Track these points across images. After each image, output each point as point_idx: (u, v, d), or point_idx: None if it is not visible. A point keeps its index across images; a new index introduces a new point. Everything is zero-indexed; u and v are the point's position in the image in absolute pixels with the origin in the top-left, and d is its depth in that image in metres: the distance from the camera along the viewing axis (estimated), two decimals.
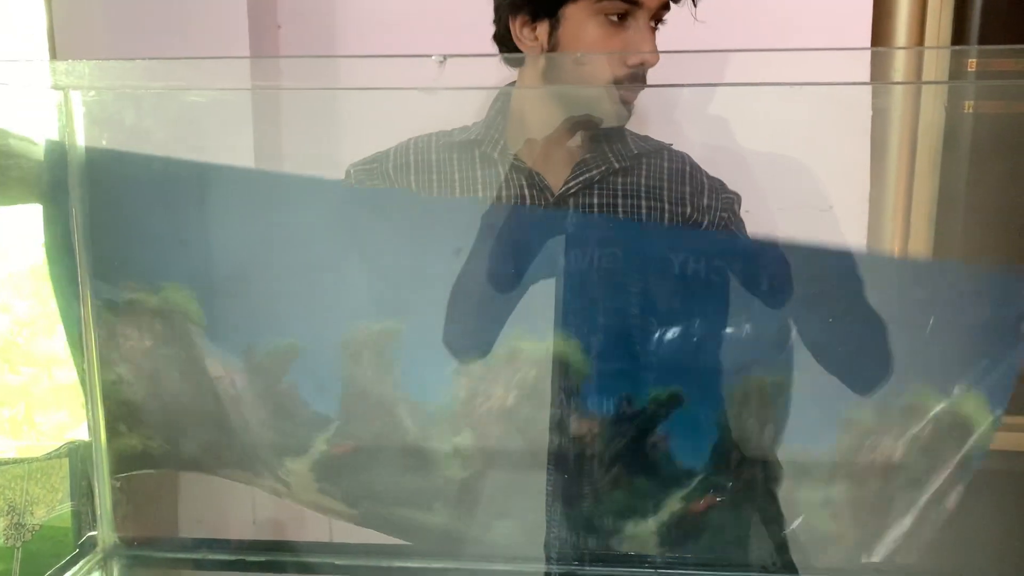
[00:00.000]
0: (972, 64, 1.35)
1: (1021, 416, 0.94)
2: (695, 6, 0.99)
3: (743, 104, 1.00)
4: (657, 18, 0.98)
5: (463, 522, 1.06)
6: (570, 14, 0.98)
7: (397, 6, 1.21)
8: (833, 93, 0.88)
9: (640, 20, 0.97)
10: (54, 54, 1.33)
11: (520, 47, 1.01)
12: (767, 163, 1.03)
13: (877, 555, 0.98)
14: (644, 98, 0.98)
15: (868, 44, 1.61)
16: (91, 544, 1.05)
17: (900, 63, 1.11)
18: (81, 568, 1.01)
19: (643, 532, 1.03)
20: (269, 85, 1.04)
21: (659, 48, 0.95)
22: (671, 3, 0.98)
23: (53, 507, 1.05)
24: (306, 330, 0.98)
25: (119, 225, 0.96)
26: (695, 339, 0.94)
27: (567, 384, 0.97)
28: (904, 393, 0.92)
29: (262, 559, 1.05)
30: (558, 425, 0.98)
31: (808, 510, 0.99)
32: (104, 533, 1.05)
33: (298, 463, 1.05)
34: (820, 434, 0.96)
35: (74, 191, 0.94)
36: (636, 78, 0.98)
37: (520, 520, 1.04)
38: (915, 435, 0.93)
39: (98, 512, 1.04)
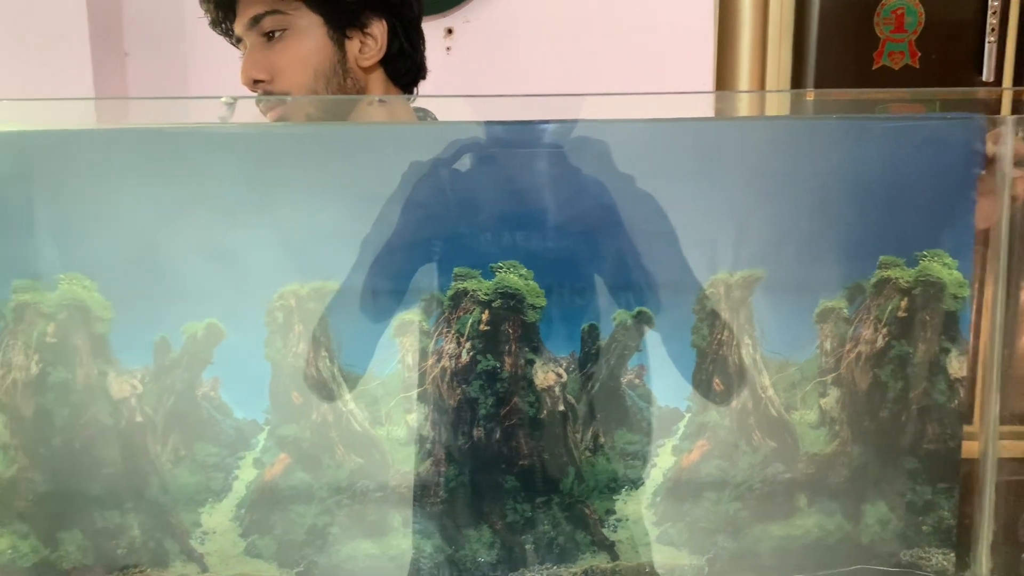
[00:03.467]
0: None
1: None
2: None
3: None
4: (264, 31, 1.05)
5: (438, 540, 0.88)
6: None
7: None
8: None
9: (248, 46, 1.06)
10: None
11: None
12: None
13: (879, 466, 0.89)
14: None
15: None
16: None
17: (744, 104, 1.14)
18: None
19: (635, 507, 0.86)
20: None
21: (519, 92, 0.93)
22: (252, 23, 1.05)
23: None
24: (224, 307, 0.84)
25: None
26: (651, 249, 0.86)
27: (522, 326, 0.83)
28: (873, 273, 0.87)
29: None
30: (518, 380, 0.83)
31: (805, 434, 0.87)
32: None
33: (218, 512, 0.86)
34: (800, 333, 0.87)
35: None
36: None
37: (498, 518, 0.87)
38: (893, 310, 0.87)
39: None
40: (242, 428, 0.84)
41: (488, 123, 0.84)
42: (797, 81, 1.73)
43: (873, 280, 0.87)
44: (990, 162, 0.84)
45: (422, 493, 0.87)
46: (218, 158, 0.83)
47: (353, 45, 1.08)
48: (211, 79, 1.33)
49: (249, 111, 0.86)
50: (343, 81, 1.08)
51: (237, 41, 1.09)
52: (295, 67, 1.05)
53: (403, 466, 0.86)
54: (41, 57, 1.17)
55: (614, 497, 0.88)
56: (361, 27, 1.08)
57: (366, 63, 1.09)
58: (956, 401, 0.87)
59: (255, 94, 1.06)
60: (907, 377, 0.87)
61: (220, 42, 1.09)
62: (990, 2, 1.69)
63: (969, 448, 0.88)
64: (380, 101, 1.07)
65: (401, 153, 0.84)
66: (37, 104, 0.81)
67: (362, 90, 1.10)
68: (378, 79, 1.12)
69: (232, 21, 1.08)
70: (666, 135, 0.85)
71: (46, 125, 0.82)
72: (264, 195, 0.83)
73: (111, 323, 0.82)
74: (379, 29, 1.09)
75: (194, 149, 0.83)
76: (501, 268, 0.84)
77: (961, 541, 0.88)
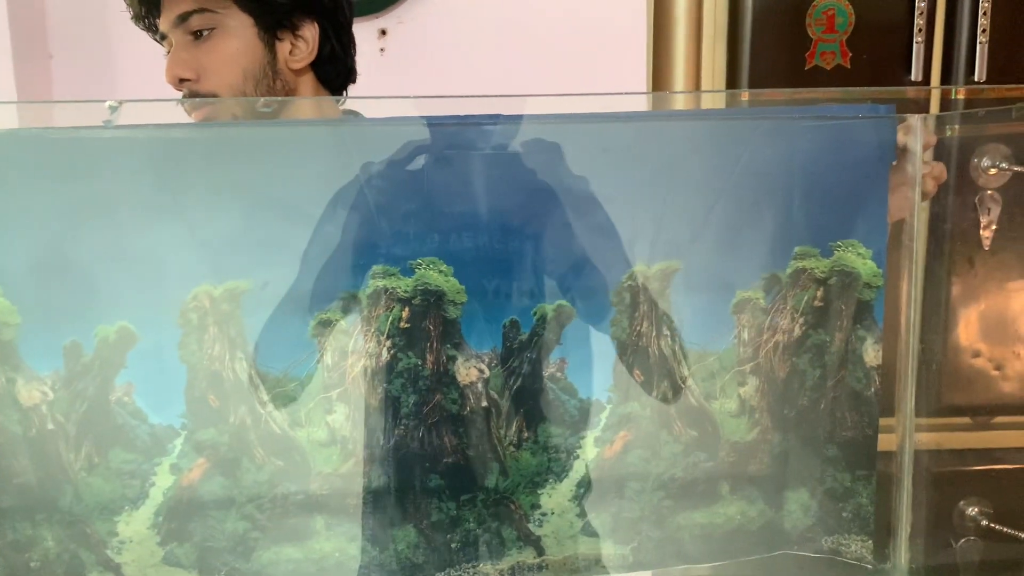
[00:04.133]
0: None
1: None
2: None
3: None
4: (192, 29, 1.04)
5: (362, 542, 0.87)
6: None
7: None
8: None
9: (173, 43, 1.05)
10: None
11: None
12: None
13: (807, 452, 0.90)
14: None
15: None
16: None
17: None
18: None
19: (559, 500, 0.86)
20: None
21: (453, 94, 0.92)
22: (180, 20, 1.03)
23: None
24: (137, 309, 0.82)
25: None
26: (570, 243, 0.86)
27: (443, 323, 0.83)
28: (788, 264, 0.88)
29: None
30: (441, 378, 0.83)
31: (725, 423, 0.87)
32: None
33: (135, 521, 0.84)
34: (718, 323, 0.88)
35: None
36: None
37: (423, 517, 0.86)
38: (809, 300, 0.89)
39: None
40: (158, 433, 0.83)
41: (409, 121, 0.83)
42: (731, 82, 1.75)
43: (789, 270, 0.88)
44: (902, 153, 0.86)
45: (344, 495, 0.86)
46: (127, 160, 0.81)
47: (284, 47, 1.07)
48: (139, 80, 1.31)
49: (162, 112, 0.85)
50: (272, 83, 1.07)
51: (161, 38, 1.07)
52: (223, 67, 1.04)
53: (324, 467, 0.86)
54: None
55: (539, 491, 0.88)
56: (292, 29, 1.07)
57: (296, 65, 1.08)
58: (873, 389, 0.89)
59: (179, 94, 1.04)
60: (824, 365, 0.89)
61: (147, 44, 1.07)
62: (917, 3, 1.72)
63: (889, 441, 0.90)
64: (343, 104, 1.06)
65: (316, 152, 0.84)
66: None
67: (291, 92, 1.09)
68: (308, 82, 1.11)
69: (156, 16, 1.06)
70: (584, 131, 0.85)
71: None
72: (174, 197, 0.82)
73: (18, 328, 0.80)
74: (310, 32, 1.08)
75: (102, 151, 0.81)
76: (420, 265, 0.84)
77: (881, 531, 0.90)
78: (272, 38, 1.06)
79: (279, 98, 1.03)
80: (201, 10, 1.03)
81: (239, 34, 1.04)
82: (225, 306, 0.82)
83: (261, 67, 1.05)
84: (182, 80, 1.04)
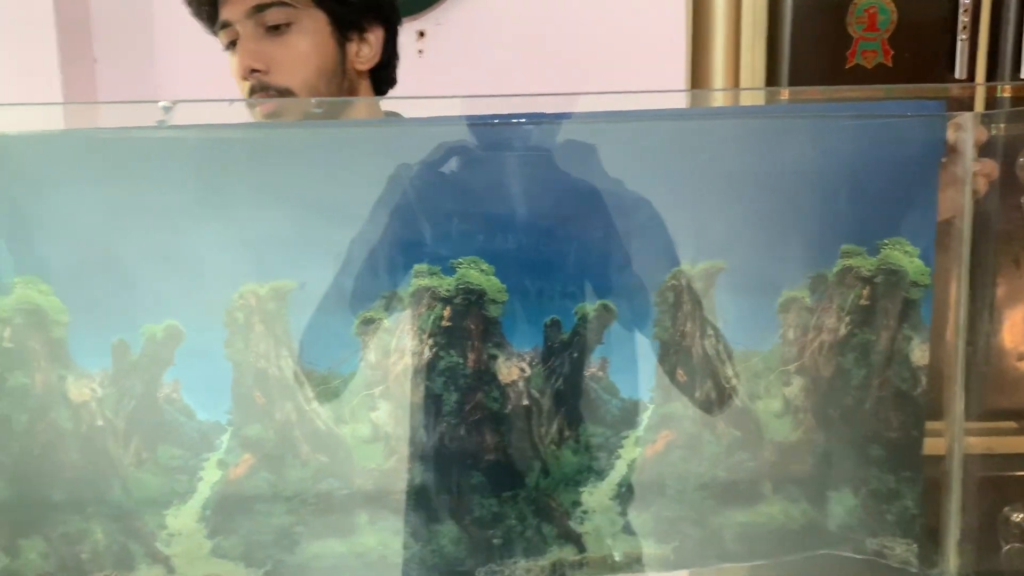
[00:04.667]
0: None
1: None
2: None
3: None
4: (269, 23, 1.03)
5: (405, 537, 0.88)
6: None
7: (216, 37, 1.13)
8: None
9: (241, 34, 1.03)
10: None
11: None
12: None
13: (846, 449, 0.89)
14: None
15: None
16: None
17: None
18: None
19: (601, 499, 0.86)
20: None
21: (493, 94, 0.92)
22: (262, 7, 1.03)
23: None
24: (183, 308, 0.83)
25: None
26: (613, 242, 0.86)
27: (484, 321, 0.85)
28: (835, 263, 0.87)
29: None
30: (482, 376, 0.85)
31: (769, 423, 0.87)
32: None
33: (183, 515, 0.85)
34: (763, 323, 0.88)
35: None
36: (255, 89, 1.05)
37: (464, 513, 0.87)
38: (855, 298, 0.88)
39: None
40: (205, 430, 0.84)
41: (450, 122, 0.84)
42: (771, 80, 1.74)
43: (835, 269, 0.87)
44: (952, 150, 0.85)
45: (388, 490, 0.87)
46: (175, 160, 0.83)
47: (352, 48, 1.08)
48: (181, 83, 1.33)
49: (209, 113, 0.86)
50: (341, 82, 1.08)
51: (221, 27, 1.06)
52: (298, 63, 1.05)
53: (368, 463, 0.86)
54: (9, 63, 1.17)
55: (580, 489, 0.88)
56: (360, 31, 1.08)
57: (362, 67, 1.09)
58: (919, 389, 0.87)
59: (234, 91, 1.05)
60: (870, 365, 0.88)
61: (190, 47, 1.09)
62: (961, 0, 1.70)
63: (938, 445, 0.88)
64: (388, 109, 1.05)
65: (360, 153, 0.85)
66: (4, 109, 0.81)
67: (352, 93, 1.10)
68: (366, 84, 1.13)
69: (217, 5, 1.05)
70: (625, 130, 0.85)
71: (12, 130, 0.82)
72: (221, 196, 0.83)
73: (68, 327, 0.81)
74: (376, 35, 1.10)
75: (151, 152, 0.83)
76: (462, 264, 0.84)
77: (930, 536, 0.89)
78: (343, 38, 1.07)
79: (327, 99, 1.04)
80: (281, 3, 1.03)
81: (314, 31, 1.05)
82: (271, 305, 0.83)
83: (333, 66, 1.07)
84: (253, 71, 1.04)
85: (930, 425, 0.88)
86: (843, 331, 0.88)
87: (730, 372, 0.88)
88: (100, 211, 0.82)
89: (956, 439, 0.87)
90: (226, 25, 1.05)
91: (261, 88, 1.04)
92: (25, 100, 0.77)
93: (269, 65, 1.04)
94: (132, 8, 1.29)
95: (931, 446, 0.88)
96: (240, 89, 1.06)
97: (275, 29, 1.04)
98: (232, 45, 1.06)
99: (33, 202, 0.81)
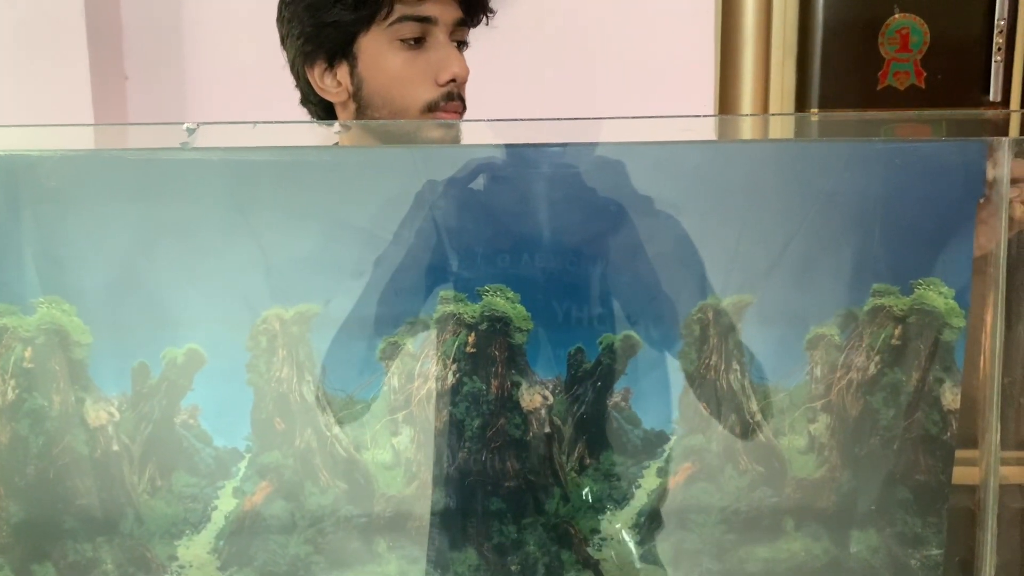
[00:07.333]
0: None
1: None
2: (487, 21, 1.04)
3: None
4: (458, 38, 1.01)
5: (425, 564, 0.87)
6: (365, 47, 0.99)
7: (247, 55, 1.12)
8: None
9: (439, 37, 0.99)
10: None
11: (328, 98, 1.02)
12: None
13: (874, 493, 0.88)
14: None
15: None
16: None
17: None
18: None
19: (619, 528, 0.85)
20: None
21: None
22: (468, 22, 1.01)
23: None
24: (206, 331, 0.83)
25: None
26: (640, 273, 0.86)
27: (509, 348, 0.85)
28: (866, 301, 0.85)
29: None
30: (505, 403, 0.85)
31: (793, 459, 0.86)
32: None
33: (195, 545, 0.85)
34: (790, 359, 0.86)
35: None
36: (451, 97, 1.00)
37: (484, 540, 0.87)
38: (886, 338, 0.86)
39: None
40: (222, 456, 0.84)
41: (474, 146, 0.83)
42: (801, 102, 1.72)
43: (866, 308, 0.85)
44: (990, 188, 0.83)
45: (408, 516, 0.86)
46: (201, 182, 0.83)
47: None
48: (211, 102, 1.33)
49: (234, 135, 0.85)
50: None
51: (421, 19, 0.98)
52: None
53: (388, 489, 0.86)
54: (41, 80, 1.18)
55: (599, 517, 0.87)
56: None
57: None
58: (948, 433, 0.86)
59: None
60: (899, 405, 0.86)
61: (220, 66, 1.09)
62: (996, 20, 1.67)
63: (971, 474, 0.87)
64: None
65: (387, 176, 0.84)
66: (34, 130, 0.81)
67: None
68: None
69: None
70: (656, 158, 0.85)
71: (42, 149, 0.82)
72: (246, 220, 0.82)
73: (90, 348, 0.81)
74: None
75: (177, 173, 0.82)
76: (488, 291, 0.84)
77: (963, 570, 0.87)
78: None
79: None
80: (475, 24, 1.04)
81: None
82: (295, 329, 0.83)
83: None
84: (453, 80, 0.99)
85: (963, 454, 0.86)
86: (872, 370, 0.86)
87: (755, 407, 0.87)
88: (127, 232, 0.82)
89: (991, 471, 0.85)
90: (427, 20, 0.98)
91: (452, 98, 1.00)
92: (56, 116, 0.77)
93: (464, 77, 1.01)
94: (163, 26, 1.30)
95: (965, 475, 0.86)
96: (403, 91, 1.00)
97: (462, 45, 1.03)
98: (418, 42, 0.99)
99: (59, 222, 0.81)
